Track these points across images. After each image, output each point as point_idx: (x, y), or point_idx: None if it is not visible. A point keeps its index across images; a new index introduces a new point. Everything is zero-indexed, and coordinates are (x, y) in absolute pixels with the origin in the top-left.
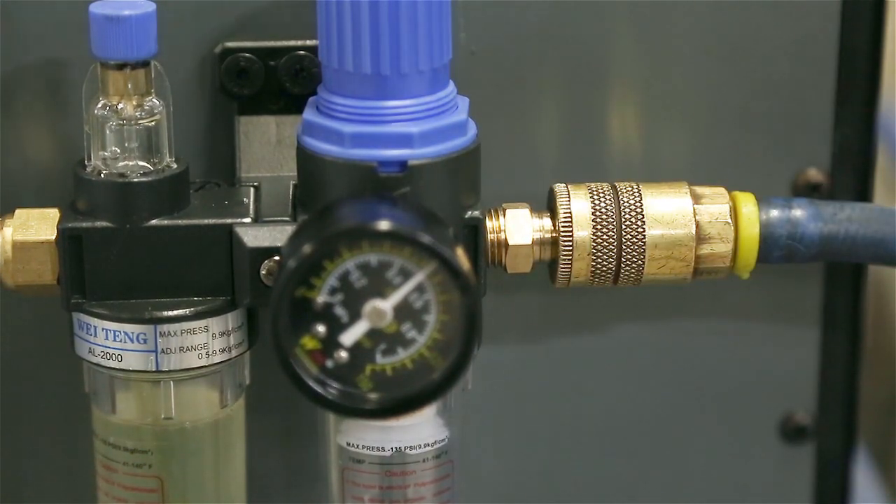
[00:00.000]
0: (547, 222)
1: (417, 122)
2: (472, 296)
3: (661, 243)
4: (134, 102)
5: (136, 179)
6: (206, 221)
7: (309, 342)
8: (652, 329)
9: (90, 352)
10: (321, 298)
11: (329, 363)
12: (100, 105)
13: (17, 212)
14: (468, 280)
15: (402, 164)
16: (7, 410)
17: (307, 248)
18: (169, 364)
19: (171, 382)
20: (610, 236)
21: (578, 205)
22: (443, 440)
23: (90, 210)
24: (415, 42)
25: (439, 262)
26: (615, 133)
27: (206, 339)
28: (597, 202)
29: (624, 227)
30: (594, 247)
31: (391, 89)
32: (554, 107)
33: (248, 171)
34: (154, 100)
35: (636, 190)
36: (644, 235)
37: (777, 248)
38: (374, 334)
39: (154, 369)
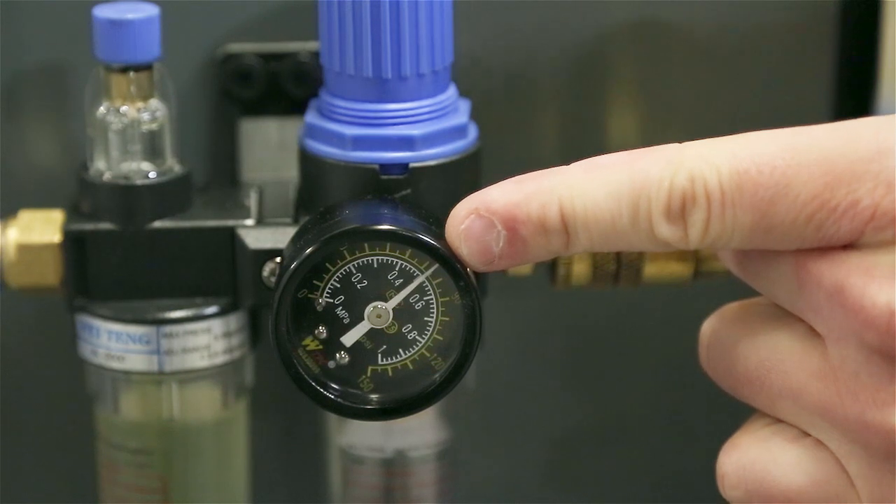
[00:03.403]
0: None
1: (419, 125)
2: (472, 297)
3: None
4: (137, 105)
5: (139, 182)
6: (208, 223)
7: (310, 343)
8: (652, 331)
9: (93, 353)
10: (322, 300)
11: (330, 364)
12: (103, 108)
13: (21, 214)
14: (469, 281)
15: (404, 167)
16: (8, 411)
17: (309, 250)
18: (172, 365)
19: (174, 383)
20: None
21: None
22: (444, 441)
23: (93, 212)
24: (416, 45)
25: (440, 264)
26: (615, 134)
27: (208, 341)
28: None
29: None
30: None
31: (392, 92)
32: (554, 108)
33: (250, 174)
34: (157, 103)
35: None
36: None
37: None
38: (375, 335)
39: (157, 370)
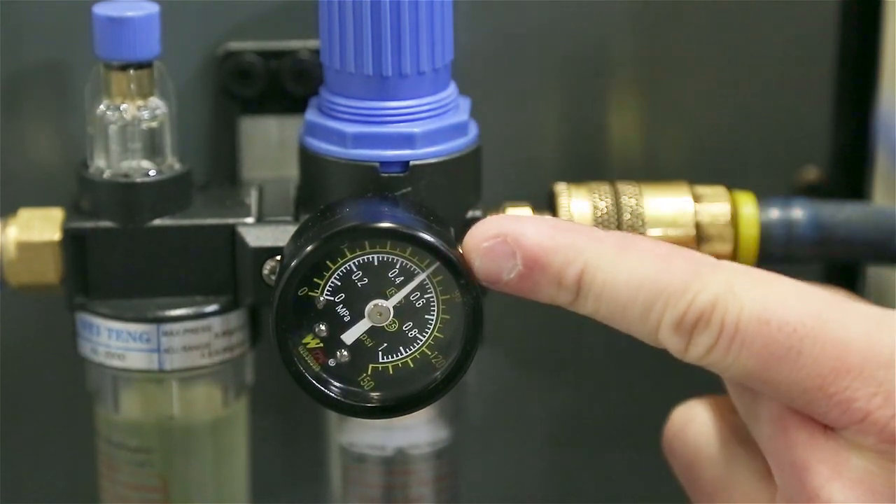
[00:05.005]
0: None
1: (419, 123)
2: (473, 295)
3: None
4: (137, 103)
5: (139, 180)
6: (208, 221)
7: (311, 341)
8: None
9: (93, 351)
10: (323, 297)
11: (331, 362)
12: (103, 106)
13: (21, 212)
14: (470, 279)
15: (404, 165)
16: (8, 409)
17: (309, 248)
18: (172, 363)
19: (174, 381)
20: None
21: (579, 205)
22: (444, 440)
23: (93, 210)
24: (416, 43)
25: (441, 262)
26: (615, 133)
27: (208, 339)
28: (597, 202)
29: (624, 227)
30: None
31: (393, 90)
32: (554, 106)
33: (250, 172)
34: (157, 101)
35: (636, 190)
36: (644, 235)
37: (776, 249)
38: (375, 333)
39: (157, 368)
